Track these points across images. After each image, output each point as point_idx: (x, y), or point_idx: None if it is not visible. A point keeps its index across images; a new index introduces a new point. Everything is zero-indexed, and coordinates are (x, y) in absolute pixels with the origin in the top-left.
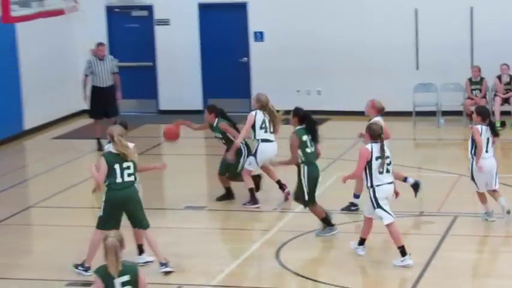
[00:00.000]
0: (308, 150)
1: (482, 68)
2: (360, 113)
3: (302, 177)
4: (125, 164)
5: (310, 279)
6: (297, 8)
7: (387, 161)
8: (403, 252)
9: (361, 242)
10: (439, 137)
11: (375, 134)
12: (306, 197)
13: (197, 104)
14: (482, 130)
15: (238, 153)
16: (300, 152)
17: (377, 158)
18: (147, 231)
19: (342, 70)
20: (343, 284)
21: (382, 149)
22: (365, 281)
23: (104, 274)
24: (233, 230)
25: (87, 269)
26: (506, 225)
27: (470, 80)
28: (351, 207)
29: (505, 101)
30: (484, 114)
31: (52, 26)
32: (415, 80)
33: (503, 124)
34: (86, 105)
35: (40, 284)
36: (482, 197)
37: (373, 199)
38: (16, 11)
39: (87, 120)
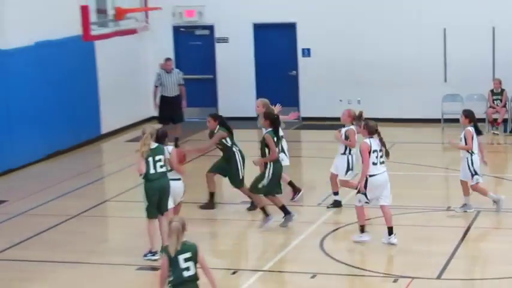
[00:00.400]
0: (276, 149)
1: (503, 80)
2: (395, 120)
3: (267, 171)
4: (157, 157)
5: (350, 265)
6: (339, 28)
7: (380, 154)
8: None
9: (362, 229)
10: None
11: (372, 130)
12: (265, 188)
13: (251, 111)
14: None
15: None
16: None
17: (374, 151)
18: (162, 218)
19: (379, 82)
20: (379, 270)
21: (381, 142)
22: (398, 267)
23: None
24: None
25: (154, 254)
26: None
27: (492, 91)
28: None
29: None
30: (471, 117)
31: (126, 43)
32: (444, 91)
33: None
34: (155, 112)
35: (115, 268)
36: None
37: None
38: (95, 30)
39: (156, 126)
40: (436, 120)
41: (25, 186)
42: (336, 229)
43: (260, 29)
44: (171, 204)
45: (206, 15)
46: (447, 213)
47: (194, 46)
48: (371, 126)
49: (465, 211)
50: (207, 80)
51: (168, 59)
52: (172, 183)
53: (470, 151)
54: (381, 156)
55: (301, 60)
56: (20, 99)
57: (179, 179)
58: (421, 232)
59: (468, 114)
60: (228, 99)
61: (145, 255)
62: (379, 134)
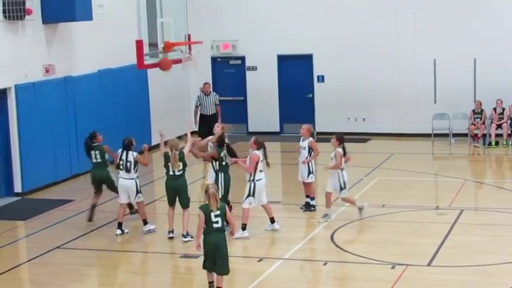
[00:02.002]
0: (223, 163)
1: (482, 102)
2: (394, 135)
3: (220, 184)
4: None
5: (355, 254)
6: (348, 58)
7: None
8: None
9: (244, 227)
10: (451, 152)
11: (261, 145)
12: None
13: (275, 127)
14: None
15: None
16: (217, 163)
17: (261, 161)
18: (185, 211)
19: (380, 103)
20: (379, 258)
21: (265, 155)
22: (395, 256)
23: (206, 210)
24: (300, 219)
25: (186, 235)
26: (500, 217)
27: (473, 111)
28: (311, 208)
29: (499, 126)
30: (341, 139)
31: (173, 71)
32: (434, 111)
33: (497, 143)
34: (195, 128)
35: (161, 256)
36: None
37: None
38: (148, 60)
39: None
40: (428, 135)
41: (89, 188)
42: (344, 225)
43: (283, 59)
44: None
45: (239, 47)
46: (436, 211)
47: (228, 73)
48: (260, 142)
49: (326, 221)
50: (238, 101)
51: (206, 83)
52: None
53: (340, 168)
54: (262, 166)
55: (317, 85)
56: (85, 117)
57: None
58: (414, 227)
59: (339, 138)
60: (256, 116)
61: (184, 236)
62: (264, 148)
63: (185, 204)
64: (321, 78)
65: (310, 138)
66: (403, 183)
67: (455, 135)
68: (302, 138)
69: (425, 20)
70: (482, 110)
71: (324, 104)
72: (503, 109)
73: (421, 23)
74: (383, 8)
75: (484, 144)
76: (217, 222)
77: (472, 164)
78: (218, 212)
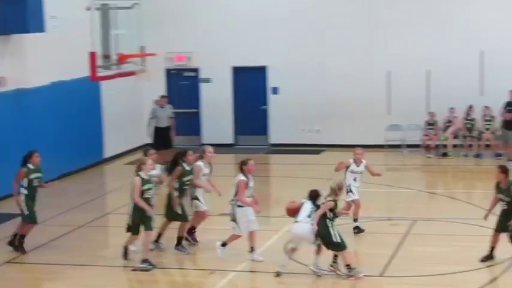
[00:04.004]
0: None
1: (436, 113)
2: (348, 146)
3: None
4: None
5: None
6: (302, 70)
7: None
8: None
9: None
10: (404, 163)
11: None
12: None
13: (230, 139)
14: None
15: None
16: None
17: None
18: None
19: (335, 115)
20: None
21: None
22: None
23: None
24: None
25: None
26: (452, 226)
27: (427, 122)
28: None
29: (454, 137)
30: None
31: (126, 83)
32: (387, 122)
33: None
34: (149, 140)
35: (115, 270)
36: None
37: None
38: (101, 72)
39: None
40: (381, 146)
41: (42, 200)
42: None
43: (237, 71)
44: None
45: (193, 59)
46: (389, 222)
47: (183, 85)
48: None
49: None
50: (192, 113)
51: (163, 96)
52: None
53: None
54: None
55: (271, 97)
56: (38, 129)
57: None
58: (367, 238)
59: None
60: (210, 129)
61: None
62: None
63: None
64: (275, 90)
65: (364, 161)
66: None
67: (408, 146)
68: (356, 163)
69: (379, 32)
70: (435, 121)
71: (278, 115)
72: (455, 117)
73: (375, 34)
74: (337, 20)
75: (437, 155)
76: None
77: (424, 174)
78: None
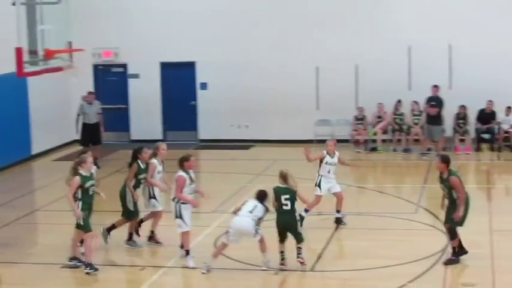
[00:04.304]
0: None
1: (364, 108)
2: (277, 141)
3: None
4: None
5: (237, 260)
6: (231, 66)
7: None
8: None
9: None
10: None
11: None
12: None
13: (158, 135)
14: None
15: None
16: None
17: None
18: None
19: (264, 110)
20: (258, 264)
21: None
22: (276, 262)
23: (278, 191)
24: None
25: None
26: (381, 221)
27: (355, 117)
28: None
29: (383, 132)
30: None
31: (54, 79)
32: (316, 117)
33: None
34: (77, 136)
35: (43, 267)
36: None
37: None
38: (27, 68)
39: (78, 147)
40: (310, 141)
41: None
42: (227, 232)
43: (166, 67)
44: None
45: (121, 55)
46: (319, 216)
47: (111, 81)
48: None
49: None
50: (121, 109)
51: (91, 92)
52: None
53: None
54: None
55: (200, 93)
56: None
57: None
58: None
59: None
60: (138, 125)
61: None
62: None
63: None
64: (204, 86)
65: (337, 153)
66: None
67: (337, 141)
68: (329, 154)
69: (307, 28)
70: (364, 116)
71: (207, 111)
72: (385, 112)
73: (304, 30)
74: (266, 16)
75: (366, 149)
76: (286, 204)
77: (354, 169)
78: (288, 196)
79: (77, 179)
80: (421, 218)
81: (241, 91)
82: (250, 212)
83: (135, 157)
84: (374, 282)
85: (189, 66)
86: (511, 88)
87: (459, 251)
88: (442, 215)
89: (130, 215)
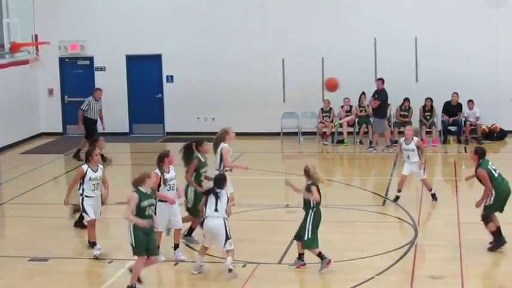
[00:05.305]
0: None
1: (331, 101)
2: (243, 134)
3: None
4: None
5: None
6: (197, 58)
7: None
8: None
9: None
10: (300, 151)
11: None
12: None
13: (125, 128)
14: None
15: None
16: None
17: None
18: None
19: (230, 103)
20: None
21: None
22: (246, 255)
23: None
24: None
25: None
26: (349, 213)
27: (322, 109)
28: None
29: (349, 124)
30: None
31: (20, 72)
32: (283, 110)
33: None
34: (44, 129)
35: (10, 259)
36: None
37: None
38: None
39: (43, 140)
40: (277, 134)
41: None
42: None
43: (131, 60)
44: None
45: (87, 48)
46: (286, 209)
47: (77, 74)
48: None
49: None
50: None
51: (99, 90)
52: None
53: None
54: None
55: (166, 85)
56: None
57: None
58: (264, 225)
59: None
60: (105, 118)
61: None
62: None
63: None
64: (170, 79)
65: (416, 138)
66: (253, 182)
67: (304, 133)
68: (405, 141)
69: (273, 21)
70: (330, 109)
71: (174, 104)
72: (351, 107)
73: (270, 23)
74: (231, 9)
75: (332, 142)
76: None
77: (321, 162)
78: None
79: (135, 196)
80: (389, 210)
81: (208, 84)
82: (216, 210)
83: (190, 150)
84: (342, 275)
85: (155, 59)
86: (475, 81)
87: (497, 237)
88: (410, 208)
89: (197, 212)
